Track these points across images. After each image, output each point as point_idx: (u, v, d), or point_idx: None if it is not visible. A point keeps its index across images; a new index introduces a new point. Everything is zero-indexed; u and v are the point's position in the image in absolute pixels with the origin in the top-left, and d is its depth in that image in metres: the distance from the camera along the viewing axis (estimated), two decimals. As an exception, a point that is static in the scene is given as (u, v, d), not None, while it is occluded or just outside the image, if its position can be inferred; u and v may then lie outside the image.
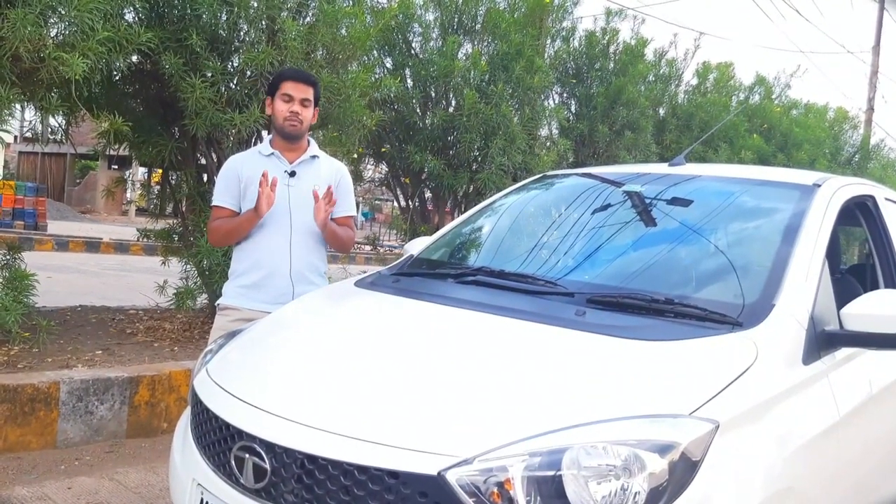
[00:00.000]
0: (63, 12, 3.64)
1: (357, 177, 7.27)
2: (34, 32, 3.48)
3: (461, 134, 6.31)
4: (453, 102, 6.69)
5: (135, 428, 3.86)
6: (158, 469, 3.46)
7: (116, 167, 24.55)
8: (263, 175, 2.90)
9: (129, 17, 4.44)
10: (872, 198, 2.87)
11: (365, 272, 2.96)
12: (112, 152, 5.52)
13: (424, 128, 6.62)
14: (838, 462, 2.03)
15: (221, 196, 3.08)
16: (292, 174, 3.06)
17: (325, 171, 3.14)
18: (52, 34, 3.77)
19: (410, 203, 7.29)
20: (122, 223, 21.43)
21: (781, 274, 2.10)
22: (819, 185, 2.56)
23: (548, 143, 7.54)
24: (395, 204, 8.02)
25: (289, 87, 3.01)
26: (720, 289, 2.23)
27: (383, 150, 6.95)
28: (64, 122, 4.97)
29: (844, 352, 2.15)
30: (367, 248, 8.53)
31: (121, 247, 14.69)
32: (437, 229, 3.77)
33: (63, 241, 14.43)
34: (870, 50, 18.12)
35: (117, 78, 4.81)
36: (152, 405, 3.93)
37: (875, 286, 2.73)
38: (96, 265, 11.75)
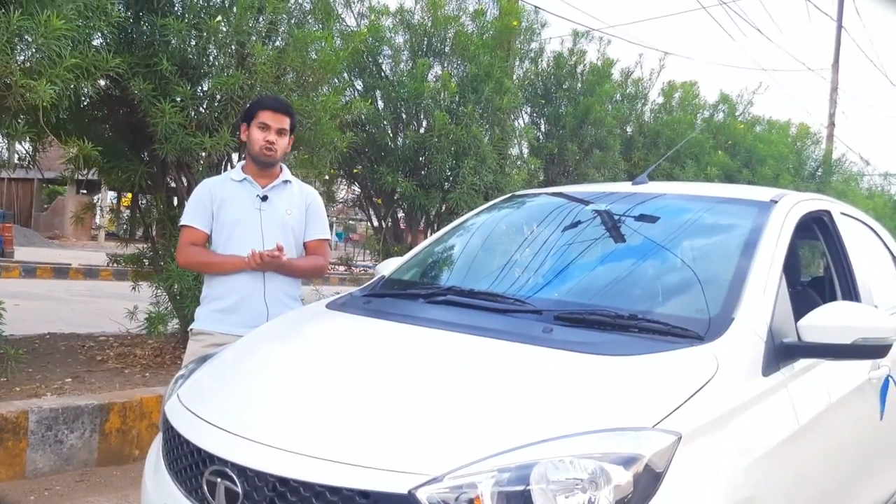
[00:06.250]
0: (30, 39, 3.64)
1: (330, 198, 7.29)
2: (0, 60, 3.47)
3: (432, 154, 6.37)
4: (424, 123, 6.75)
5: (106, 456, 3.81)
6: (130, 497, 3.42)
7: (85, 192, 24.25)
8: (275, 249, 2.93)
9: (98, 42, 4.44)
10: (829, 212, 2.97)
11: (338, 293, 2.98)
12: (80, 177, 5.47)
13: (396, 149, 6.67)
14: (800, 470, 2.09)
15: (192, 216, 3.09)
16: (264, 199, 3.08)
17: (296, 195, 3.17)
18: (20, 60, 3.76)
19: (383, 223, 7.32)
20: (92, 248, 21.11)
21: (740, 288, 2.17)
22: (776, 201, 2.64)
23: (518, 163, 7.63)
24: (369, 224, 8.04)
25: (266, 117, 3.04)
26: (682, 304, 2.30)
27: (355, 171, 6.97)
28: (31, 147, 4.93)
29: (803, 363, 2.22)
30: (342, 268, 8.52)
31: (90, 272, 14.47)
32: (411, 248, 3.80)
33: (31, 268, 14.18)
34: (829, 67, 18.62)
35: (86, 103, 4.79)
36: (123, 432, 3.89)
37: (833, 298, 2.81)
38: (65, 291, 11.56)
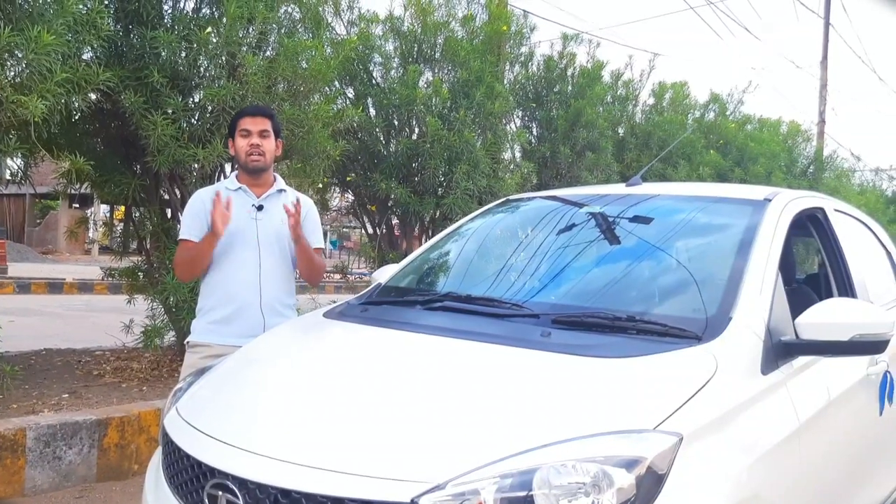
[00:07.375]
0: (20, 55, 3.63)
1: (324, 206, 7.28)
2: (-9, 76, 3.47)
3: (425, 160, 6.38)
4: (416, 130, 6.76)
5: (105, 471, 3.79)
6: (130, 512, 3.40)
7: (78, 206, 24.17)
8: (217, 195, 2.92)
9: (88, 56, 4.43)
10: (822, 210, 2.98)
11: (334, 302, 2.98)
12: (73, 191, 5.46)
13: (389, 155, 6.67)
14: (801, 467, 2.09)
15: (189, 230, 3.08)
16: (260, 208, 3.09)
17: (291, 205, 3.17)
18: (10, 76, 3.75)
19: (378, 230, 7.32)
20: (86, 262, 21.03)
21: (737, 287, 2.17)
22: (770, 200, 2.65)
23: (511, 167, 7.64)
24: (363, 231, 8.03)
25: (245, 123, 3.06)
26: (679, 304, 2.30)
27: (349, 178, 6.98)
28: (23, 163, 4.91)
29: (802, 360, 2.22)
30: (337, 276, 8.49)
31: (85, 286, 14.41)
32: (406, 255, 3.79)
33: (25, 284, 14.10)
34: (818, 64, 18.74)
35: (77, 117, 4.78)
36: (122, 447, 3.87)
37: (830, 295, 2.82)
38: (60, 306, 11.51)
